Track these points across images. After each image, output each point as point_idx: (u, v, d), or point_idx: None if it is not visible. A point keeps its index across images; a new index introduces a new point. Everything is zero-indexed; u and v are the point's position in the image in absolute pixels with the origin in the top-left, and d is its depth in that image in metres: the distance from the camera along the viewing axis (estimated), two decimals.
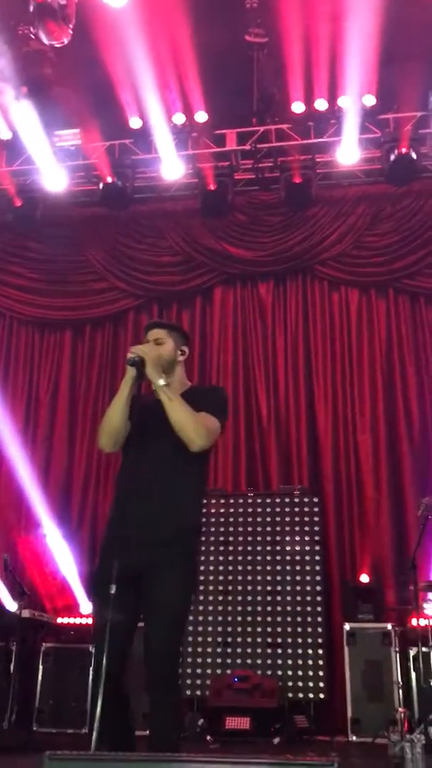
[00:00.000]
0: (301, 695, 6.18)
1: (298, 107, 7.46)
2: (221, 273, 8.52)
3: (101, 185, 7.86)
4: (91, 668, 5.93)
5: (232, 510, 6.92)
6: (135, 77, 7.21)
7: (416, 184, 7.94)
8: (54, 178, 7.99)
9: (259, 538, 6.76)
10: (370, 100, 7.32)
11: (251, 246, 8.38)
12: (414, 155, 7.33)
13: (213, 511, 6.89)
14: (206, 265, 8.51)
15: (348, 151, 7.58)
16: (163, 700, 2.63)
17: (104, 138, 7.97)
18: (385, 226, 8.20)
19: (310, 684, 6.19)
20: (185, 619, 2.79)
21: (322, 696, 6.17)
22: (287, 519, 6.80)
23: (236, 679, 6.01)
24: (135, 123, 7.67)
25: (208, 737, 5.75)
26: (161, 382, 2.79)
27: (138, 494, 2.76)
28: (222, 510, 6.92)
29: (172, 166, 7.85)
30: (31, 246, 8.85)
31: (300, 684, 6.20)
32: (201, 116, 7.58)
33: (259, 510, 6.87)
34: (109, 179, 7.78)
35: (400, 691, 5.79)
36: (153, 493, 2.79)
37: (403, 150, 7.28)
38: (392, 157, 7.35)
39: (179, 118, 7.60)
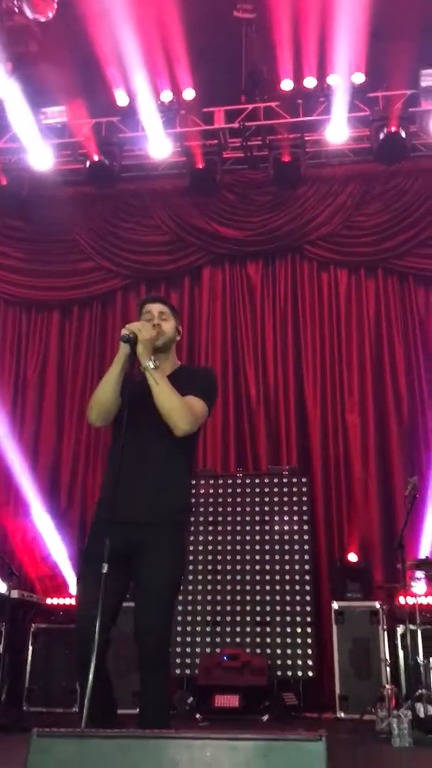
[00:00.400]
0: (289, 673, 6.23)
1: (286, 85, 7.40)
2: (210, 253, 8.47)
3: (88, 163, 7.77)
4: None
5: (221, 491, 6.93)
6: (122, 53, 7.12)
7: (406, 164, 7.90)
8: (40, 156, 7.89)
9: (248, 518, 6.78)
10: (360, 78, 7.26)
11: (240, 225, 8.34)
12: (403, 134, 7.28)
13: (202, 491, 6.90)
14: (195, 245, 8.46)
15: (337, 130, 7.53)
16: (154, 677, 2.63)
17: (91, 115, 7.87)
18: (374, 206, 8.17)
19: (299, 662, 6.24)
20: (176, 597, 2.79)
21: (310, 674, 6.23)
22: (276, 499, 6.82)
23: (225, 658, 6.04)
24: (122, 100, 7.58)
25: (198, 715, 5.79)
26: (150, 364, 2.77)
27: (128, 473, 2.75)
28: (211, 491, 6.93)
29: (159, 145, 7.77)
30: (17, 225, 8.76)
31: (289, 662, 6.25)
32: (189, 93, 7.50)
33: (248, 490, 6.88)
34: (96, 157, 7.69)
35: (388, 669, 5.85)
36: (143, 473, 2.79)
37: (393, 128, 7.24)
38: (381, 136, 7.30)
39: (167, 96, 7.51)
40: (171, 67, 7.33)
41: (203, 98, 7.65)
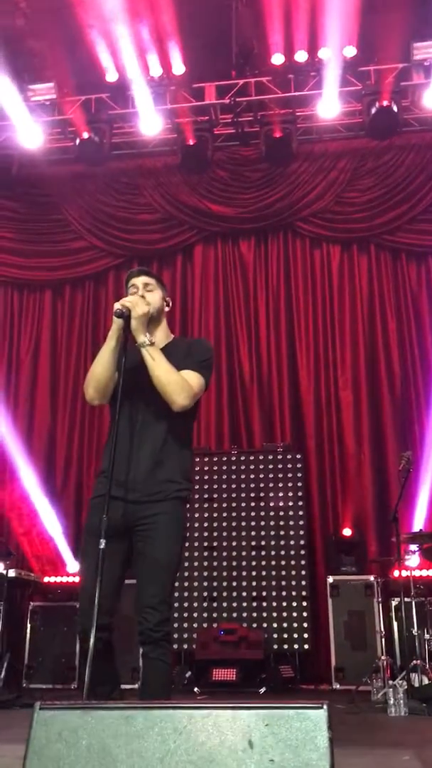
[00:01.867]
0: (286, 646, 6.31)
1: (277, 59, 7.30)
2: (202, 230, 8.44)
3: (78, 141, 7.69)
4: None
5: (216, 468, 6.97)
6: (110, 28, 7.02)
7: (398, 138, 7.85)
8: (29, 135, 7.79)
9: (243, 495, 6.83)
10: (351, 52, 7.17)
11: (232, 203, 8.29)
12: (395, 108, 7.23)
13: (197, 469, 6.94)
14: (186, 223, 8.42)
15: (329, 105, 7.45)
16: (155, 652, 2.64)
17: (80, 92, 7.78)
18: (366, 182, 8.13)
19: (295, 635, 6.32)
20: (176, 573, 2.80)
21: (306, 647, 6.31)
22: (270, 476, 6.86)
23: (222, 632, 6.12)
24: (111, 76, 7.47)
25: (196, 689, 5.87)
26: (146, 340, 2.77)
27: (128, 449, 2.76)
28: (206, 468, 6.96)
29: (150, 121, 7.68)
30: (8, 205, 8.69)
31: (285, 635, 6.33)
32: (178, 68, 7.40)
33: (243, 467, 6.92)
34: (86, 135, 7.60)
35: (383, 640, 5.94)
36: (143, 448, 2.79)
37: (385, 103, 7.18)
38: (373, 111, 7.24)
39: (156, 71, 7.41)
40: (160, 41, 7.23)
41: (193, 73, 7.55)
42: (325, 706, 1.55)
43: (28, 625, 6.62)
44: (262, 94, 7.65)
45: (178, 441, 2.86)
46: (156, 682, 2.63)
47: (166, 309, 3.03)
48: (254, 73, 7.66)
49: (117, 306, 2.79)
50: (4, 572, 6.07)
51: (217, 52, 7.68)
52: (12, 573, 6.20)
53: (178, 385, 2.76)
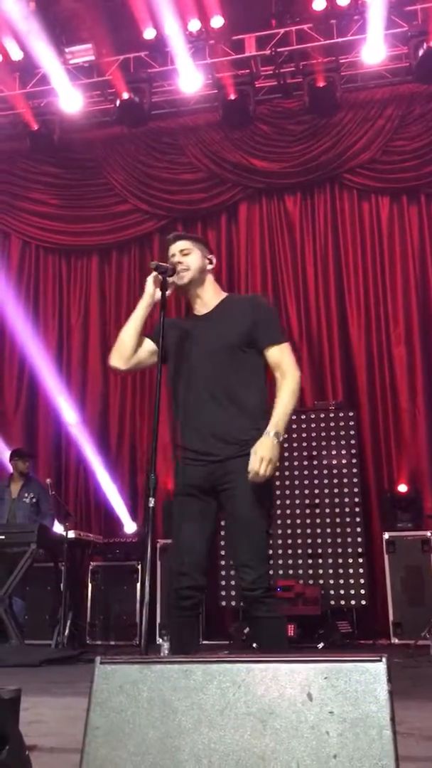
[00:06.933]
0: (343, 602, 6.33)
1: (319, 4, 7.05)
2: (246, 187, 8.30)
3: (118, 102, 7.61)
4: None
5: None
6: None
7: None
8: (69, 98, 7.74)
9: (296, 454, 6.81)
10: None
11: (276, 157, 8.13)
12: None
13: None
14: (230, 180, 8.29)
15: (373, 50, 7.18)
16: (261, 609, 2.68)
17: (118, 52, 7.66)
18: (414, 129, 7.85)
19: (352, 591, 6.34)
20: (268, 526, 2.77)
21: (363, 602, 6.32)
22: (323, 434, 6.83)
23: (279, 589, 6.16)
24: (149, 33, 7.34)
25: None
26: (274, 439, 2.63)
27: (202, 409, 2.73)
28: None
29: (189, 78, 7.54)
30: (51, 171, 8.71)
31: (342, 592, 6.35)
32: (217, 21, 7.22)
33: (295, 426, 6.89)
34: (126, 95, 7.52)
35: None
36: (219, 406, 2.73)
37: None
38: (421, 53, 6.96)
39: (194, 25, 7.24)
40: None
41: (232, 25, 7.35)
42: (384, 659, 1.54)
43: (89, 585, 6.79)
44: (304, 42, 7.42)
45: (254, 398, 2.79)
46: (270, 640, 2.65)
47: (210, 267, 2.97)
48: (295, 20, 7.41)
49: (155, 263, 2.87)
50: (65, 533, 6.21)
51: (256, 1, 7.45)
52: (72, 534, 6.35)
53: (296, 395, 2.84)
